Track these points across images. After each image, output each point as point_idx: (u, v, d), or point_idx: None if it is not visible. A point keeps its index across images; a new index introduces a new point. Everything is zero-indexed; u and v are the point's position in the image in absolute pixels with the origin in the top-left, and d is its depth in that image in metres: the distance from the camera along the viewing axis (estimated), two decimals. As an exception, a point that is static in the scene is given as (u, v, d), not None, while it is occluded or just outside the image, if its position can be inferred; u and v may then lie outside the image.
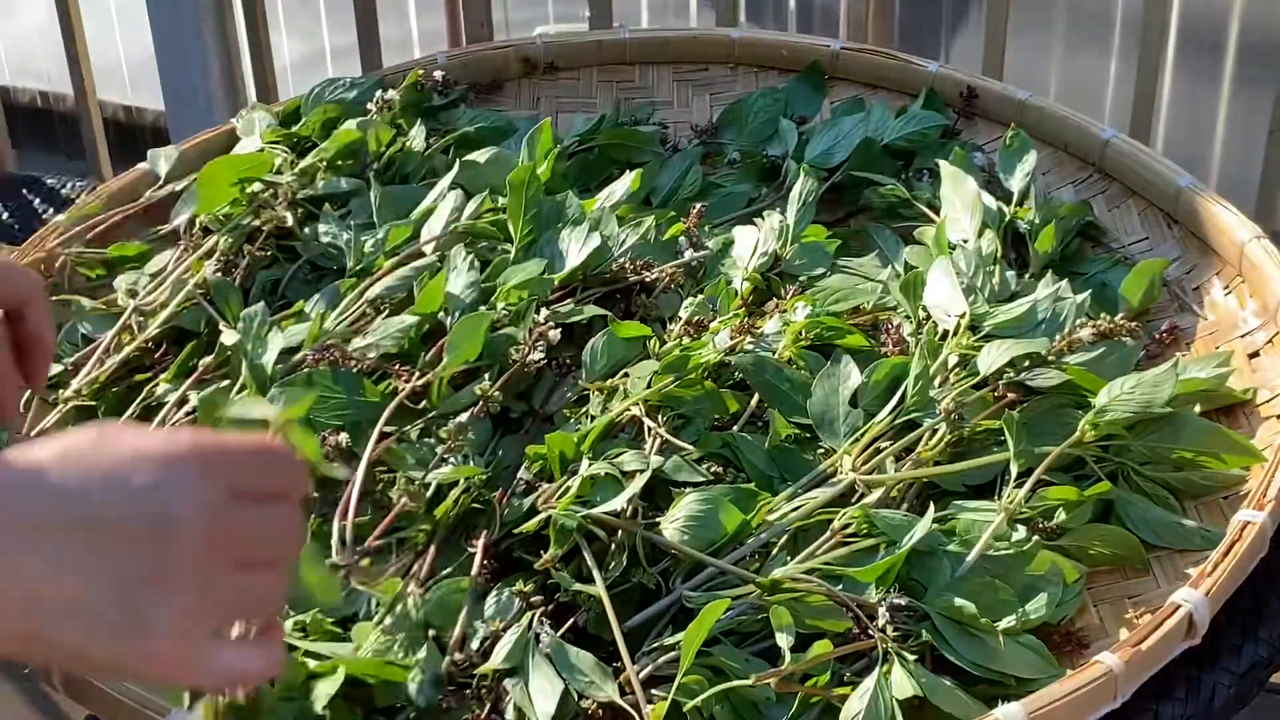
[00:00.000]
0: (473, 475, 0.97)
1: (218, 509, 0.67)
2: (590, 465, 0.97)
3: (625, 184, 1.24)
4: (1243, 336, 1.09)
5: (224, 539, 0.67)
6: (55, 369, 1.14)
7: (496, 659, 0.89)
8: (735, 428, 1.03)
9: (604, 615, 0.91)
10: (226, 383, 1.08)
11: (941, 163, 1.23)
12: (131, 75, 2.79)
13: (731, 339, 1.06)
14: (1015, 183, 1.22)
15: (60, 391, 1.12)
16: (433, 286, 1.09)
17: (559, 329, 1.06)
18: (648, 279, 1.14)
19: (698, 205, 1.22)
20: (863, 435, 1.01)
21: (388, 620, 0.90)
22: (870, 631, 0.88)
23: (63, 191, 1.68)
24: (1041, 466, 0.96)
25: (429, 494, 0.97)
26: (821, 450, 1.02)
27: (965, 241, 1.16)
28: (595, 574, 0.92)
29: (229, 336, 1.09)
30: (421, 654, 0.90)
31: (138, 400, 1.11)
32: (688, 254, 1.18)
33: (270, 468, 0.70)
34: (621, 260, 1.15)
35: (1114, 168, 1.24)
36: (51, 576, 0.64)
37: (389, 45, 1.97)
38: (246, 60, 2.17)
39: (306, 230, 1.22)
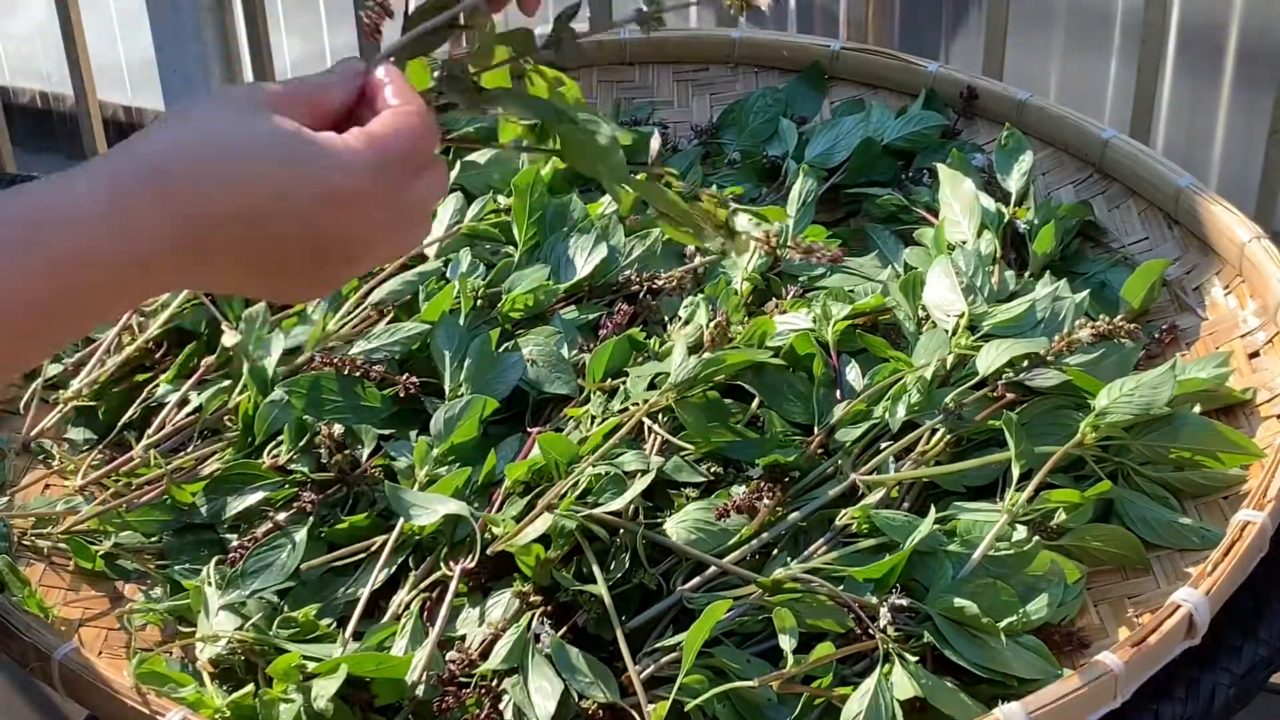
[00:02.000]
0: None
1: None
2: (592, 466, 0.97)
3: (630, 187, 1.24)
4: (1243, 336, 1.09)
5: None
6: (55, 369, 1.14)
7: (496, 659, 0.89)
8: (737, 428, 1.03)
9: (604, 616, 0.91)
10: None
11: (940, 165, 1.23)
12: (131, 75, 2.79)
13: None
14: (1013, 183, 1.22)
15: (61, 391, 1.12)
16: (439, 298, 1.09)
17: None
18: (655, 286, 1.14)
19: (697, 205, 1.23)
20: (864, 436, 1.01)
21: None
22: (871, 632, 0.88)
23: (63, 191, 1.68)
24: (1044, 469, 0.96)
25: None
26: (821, 450, 1.02)
27: (964, 242, 1.16)
28: (597, 574, 0.92)
29: (230, 337, 1.09)
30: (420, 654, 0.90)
31: (138, 400, 1.11)
32: (697, 260, 1.18)
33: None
34: (629, 272, 1.15)
35: (1114, 168, 1.24)
36: None
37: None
38: (246, 60, 2.17)
39: (307, 230, 1.22)
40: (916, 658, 0.88)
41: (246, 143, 0.67)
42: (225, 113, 0.68)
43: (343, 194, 0.69)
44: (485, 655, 0.90)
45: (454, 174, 1.24)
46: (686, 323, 1.10)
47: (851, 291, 1.14)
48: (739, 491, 0.96)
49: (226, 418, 1.08)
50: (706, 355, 1.02)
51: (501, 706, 0.89)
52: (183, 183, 0.66)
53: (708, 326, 1.05)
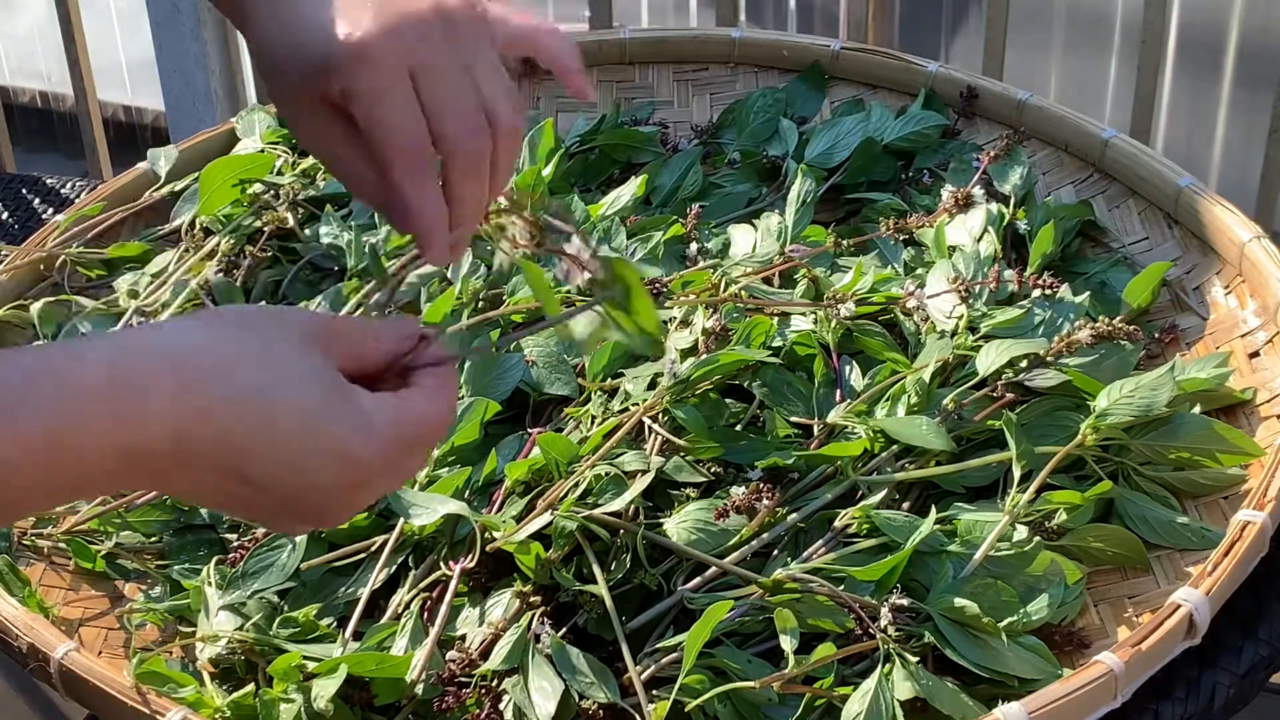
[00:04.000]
0: None
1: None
2: (591, 466, 0.97)
3: (631, 188, 1.24)
4: (1243, 336, 1.09)
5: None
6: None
7: (496, 659, 0.89)
8: (737, 429, 1.03)
9: (605, 616, 0.91)
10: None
11: (944, 173, 1.23)
12: (131, 75, 2.79)
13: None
14: (1012, 186, 1.22)
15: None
16: (441, 300, 1.09)
17: None
18: (656, 289, 1.14)
19: (696, 205, 1.23)
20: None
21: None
22: (872, 632, 0.88)
23: (63, 191, 1.68)
24: (1045, 470, 0.96)
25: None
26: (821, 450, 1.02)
27: (964, 244, 1.17)
28: (597, 574, 0.92)
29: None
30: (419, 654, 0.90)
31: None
32: (700, 264, 1.18)
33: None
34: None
35: (1114, 168, 1.24)
36: None
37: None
38: (246, 60, 2.17)
39: (308, 231, 1.22)
40: (917, 658, 0.88)
41: (276, 370, 0.65)
42: (268, 332, 0.66)
43: (352, 458, 0.66)
44: (485, 655, 0.90)
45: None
46: (683, 324, 1.10)
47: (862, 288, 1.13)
48: (739, 492, 0.96)
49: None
50: (703, 356, 1.02)
51: (501, 706, 0.89)
52: (197, 384, 0.63)
53: (702, 330, 1.05)
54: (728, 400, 1.04)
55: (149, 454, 0.62)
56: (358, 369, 0.69)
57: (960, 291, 1.09)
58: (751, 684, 0.86)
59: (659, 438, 1.00)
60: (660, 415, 1.01)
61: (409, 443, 0.68)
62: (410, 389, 0.70)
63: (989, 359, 1.03)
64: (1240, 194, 1.61)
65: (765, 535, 0.96)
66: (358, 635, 0.93)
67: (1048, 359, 1.03)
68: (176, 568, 1.01)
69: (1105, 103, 2.24)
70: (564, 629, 0.92)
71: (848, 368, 1.06)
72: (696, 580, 0.94)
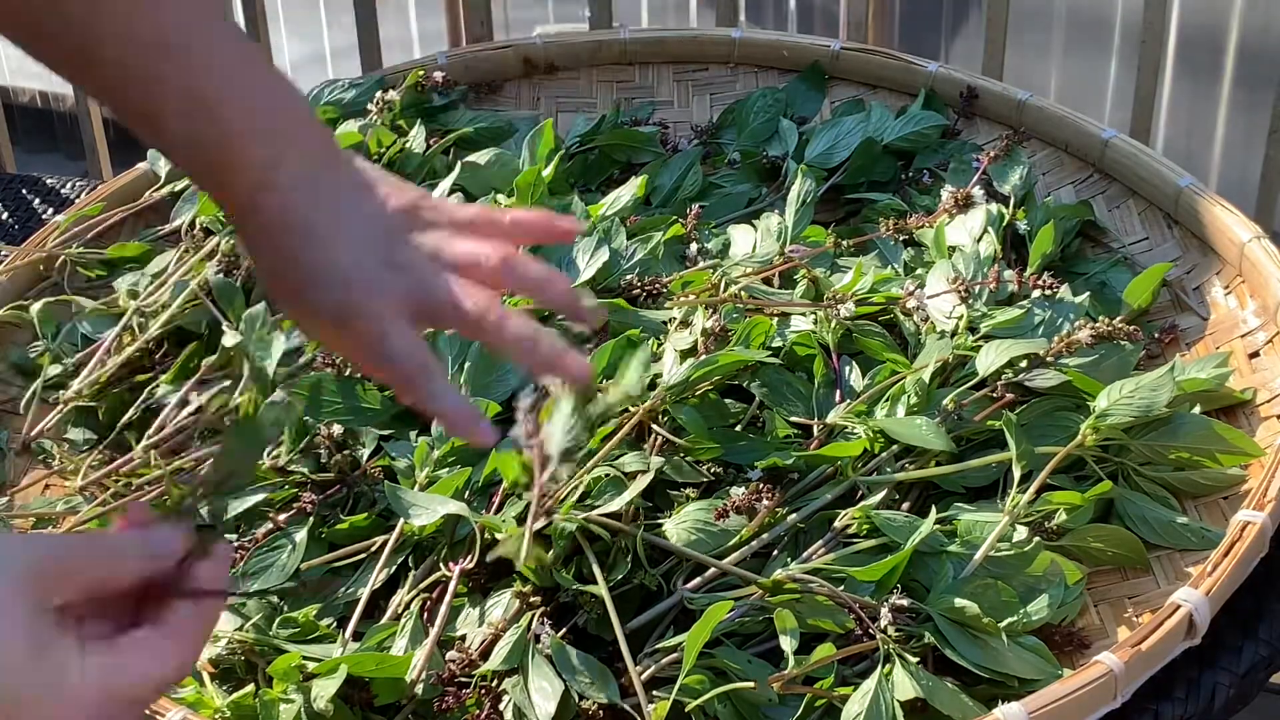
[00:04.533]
0: None
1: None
2: (592, 467, 0.97)
3: (631, 189, 1.24)
4: (1243, 336, 1.09)
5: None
6: (55, 369, 1.14)
7: (496, 659, 0.89)
8: (737, 429, 1.03)
9: (605, 616, 0.91)
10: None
11: (944, 173, 1.23)
12: (131, 75, 2.79)
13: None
14: (1012, 186, 1.22)
15: (61, 391, 1.12)
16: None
17: None
18: (656, 289, 1.14)
19: (696, 205, 1.23)
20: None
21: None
22: (872, 632, 0.88)
23: (63, 191, 1.68)
24: (1045, 470, 0.96)
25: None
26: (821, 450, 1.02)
27: (964, 244, 1.17)
28: (597, 574, 0.92)
29: (231, 338, 1.09)
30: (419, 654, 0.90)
31: (139, 401, 1.11)
32: (700, 264, 1.18)
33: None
34: (630, 276, 1.15)
35: (1114, 168, 1.24)
36: None
37: (389, 45, 1.97)
38: (246, 60, 2.17)
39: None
40: (917, 658, 0.88)
41: None
42: None
43: None
44: (485, 655, 0.90)
45: (454, 174, 1.24)
46: (683, 324, 1.10)
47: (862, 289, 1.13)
48: (739, 492, 0.96)
49: (227, 418, 1.08)
50: (702, 357, 1.02)
51: (501, 706, 0.89)
52: None
53: (702, 330, 1.05)
54: (728, 400, 1.04)
55: None
56: (99, 601, 0.64)
57: (960, 292, 1.09)
58: (751, 684, 0.86)
59: (659, 438, 1.00)
60: (660, 416, 1.01)
61: (110, 705, 0.63)
62: (138, 634, 0.64)
63: (989, 359, 1.03)
64: (1240, 194, 1.61)
65: (765, 536, 0.96)
66: (358, 635, 0.93)
67: (1048, 359, 1.03)
68: (176, 568, 1.01)
69: (1105, 103, 2.24)
70: (564, 629, 0.92)
71: (848, 368, 1.06)
72: (696, 581, 0.94)
